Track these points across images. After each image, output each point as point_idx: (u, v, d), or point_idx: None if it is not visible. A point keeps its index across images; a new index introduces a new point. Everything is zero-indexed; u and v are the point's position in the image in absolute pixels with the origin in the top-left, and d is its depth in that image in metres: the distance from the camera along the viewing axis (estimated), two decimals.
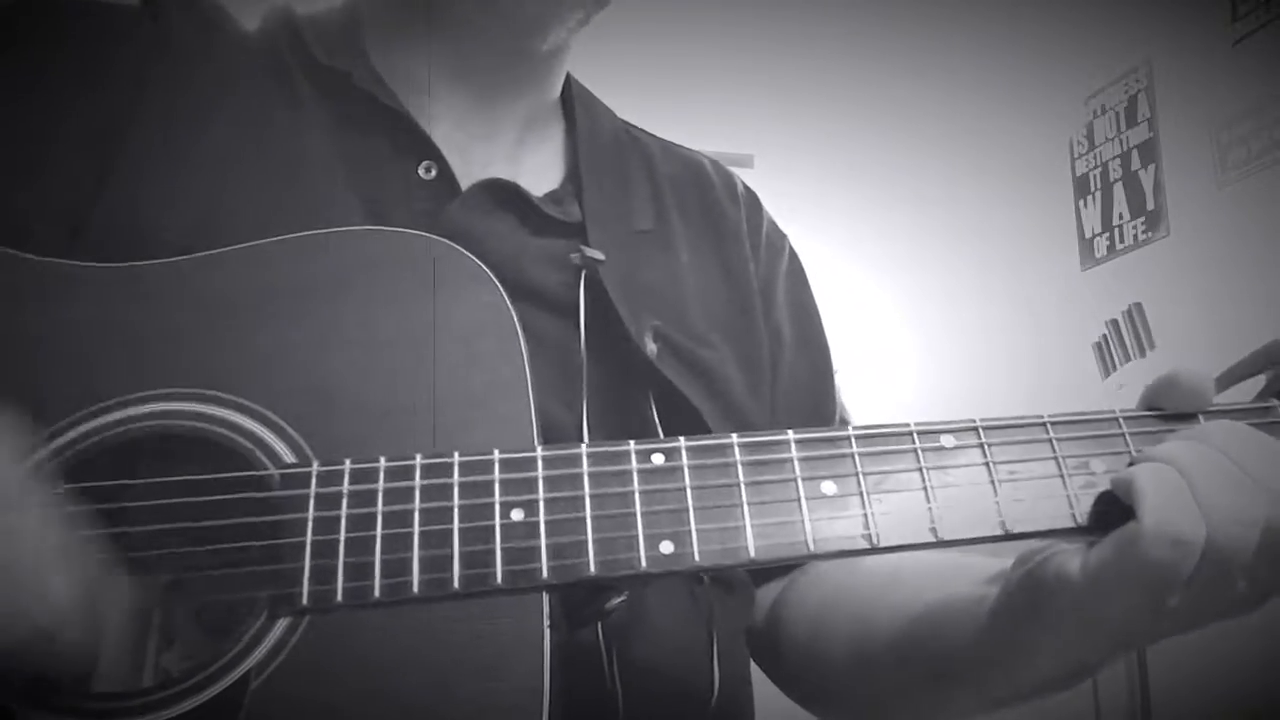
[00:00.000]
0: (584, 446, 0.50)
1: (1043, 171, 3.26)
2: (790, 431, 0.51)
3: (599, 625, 0.60)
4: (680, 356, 0.71)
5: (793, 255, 0.87)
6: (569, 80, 0.82)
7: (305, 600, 0.47)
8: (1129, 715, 2.68)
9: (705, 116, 2.96)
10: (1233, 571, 0.47)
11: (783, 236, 0.88)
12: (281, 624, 0.47)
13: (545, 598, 0.49)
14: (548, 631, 0.48)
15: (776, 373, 0.79)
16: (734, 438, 0.51)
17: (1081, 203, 3.13)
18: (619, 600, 0.57)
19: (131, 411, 0.51)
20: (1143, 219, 2.89)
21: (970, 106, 3.43)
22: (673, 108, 2.42)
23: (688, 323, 0.73)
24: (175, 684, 0.47)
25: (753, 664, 0.75)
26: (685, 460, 0.50)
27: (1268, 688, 2.27)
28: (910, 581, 0.66)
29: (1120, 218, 2.97)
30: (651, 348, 0.69)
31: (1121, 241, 2.96)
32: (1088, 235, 3.09)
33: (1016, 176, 3.35)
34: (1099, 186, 3.06)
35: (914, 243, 3.38)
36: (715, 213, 0.82)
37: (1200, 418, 0.53)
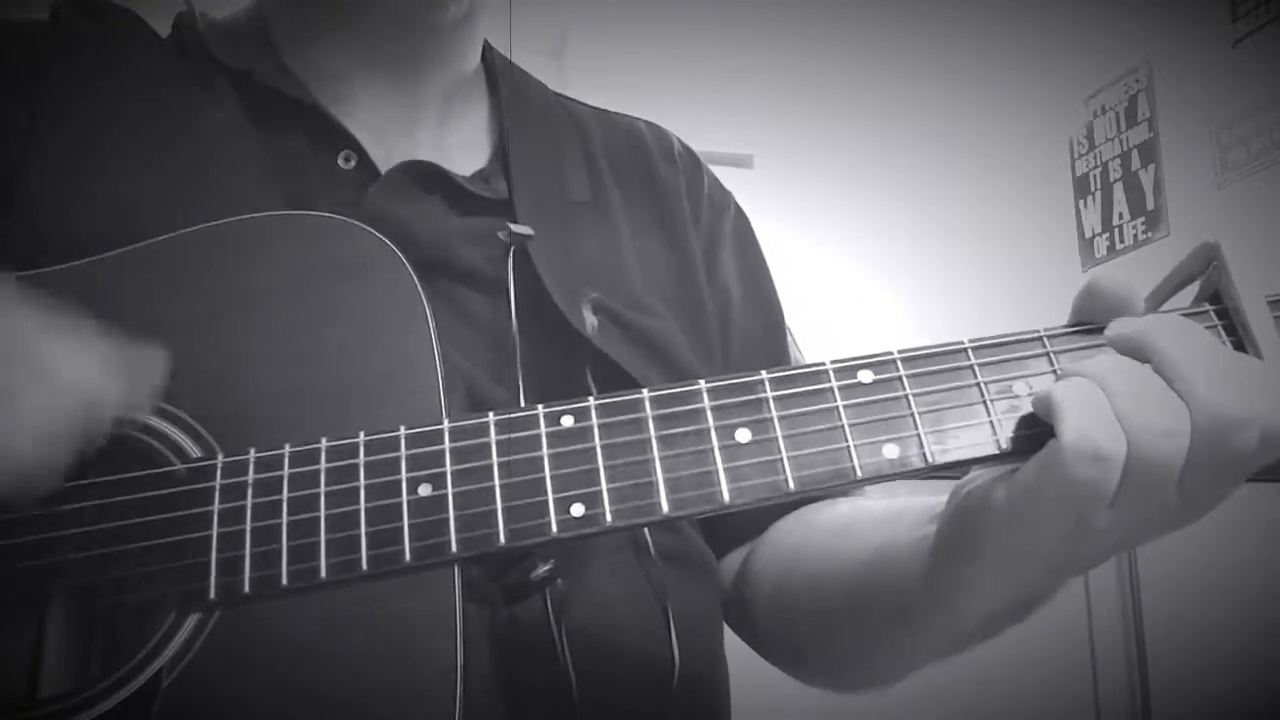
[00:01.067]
0: (491, 415, 0.49)
1: (1043, 171, 3.26)
2: (702, 381, 0.50)
3: (548, 605, 0.59)
4: (622, 327, 0.70)
5: (738, 213, 0.86)
6: (492, 54, 0.82)
7: (213, 594, 0.46)
8: (1129, 715, 2.67)
9: (705, 116, 2.96)
10: (1160, 485, 0.45)
11: (726, 194, 0.86)
12: (192, 620, 0.47)
13: (457, 573, 0.48)
14: (460, 607, 0.48)
15: (728, 333, 0.78)
16: (645, 392, 0.49)
17: (1081, 203, 3.13)
18: (545, 569, 0.57)
19: None
20: (1143, 219, 2.89)
21: (970, 106, 3.43)
22: (673, 108, 2.42)
23: (629, 291, 0.73)
24: (85, 688, 0.46)
25: (731, 651, 0.74)
26: (595, 419, 0.49)
27: (1268, 688, 2.27)
28: (862, 531, 0.65)
29: (1120, 218, 2.97)
30: (592, 320, 0.68)
31: (1121, 241, 2.96)
32: (1088, 235, 3.09)
33: (1016, 176, 3.35)
34: (1099, 186, 3.06)
35: (914, 242, 3.38)
36: (653, 178, 0.81)
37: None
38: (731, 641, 0.75)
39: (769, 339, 0.82)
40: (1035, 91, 3.28)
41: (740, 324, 0.80)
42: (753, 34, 3.27)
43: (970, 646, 0.58)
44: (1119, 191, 2.99)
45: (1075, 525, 0.46)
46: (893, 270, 3.34)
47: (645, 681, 0.63)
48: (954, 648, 0.59)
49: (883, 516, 0.65)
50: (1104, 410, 0.45)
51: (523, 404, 0.62)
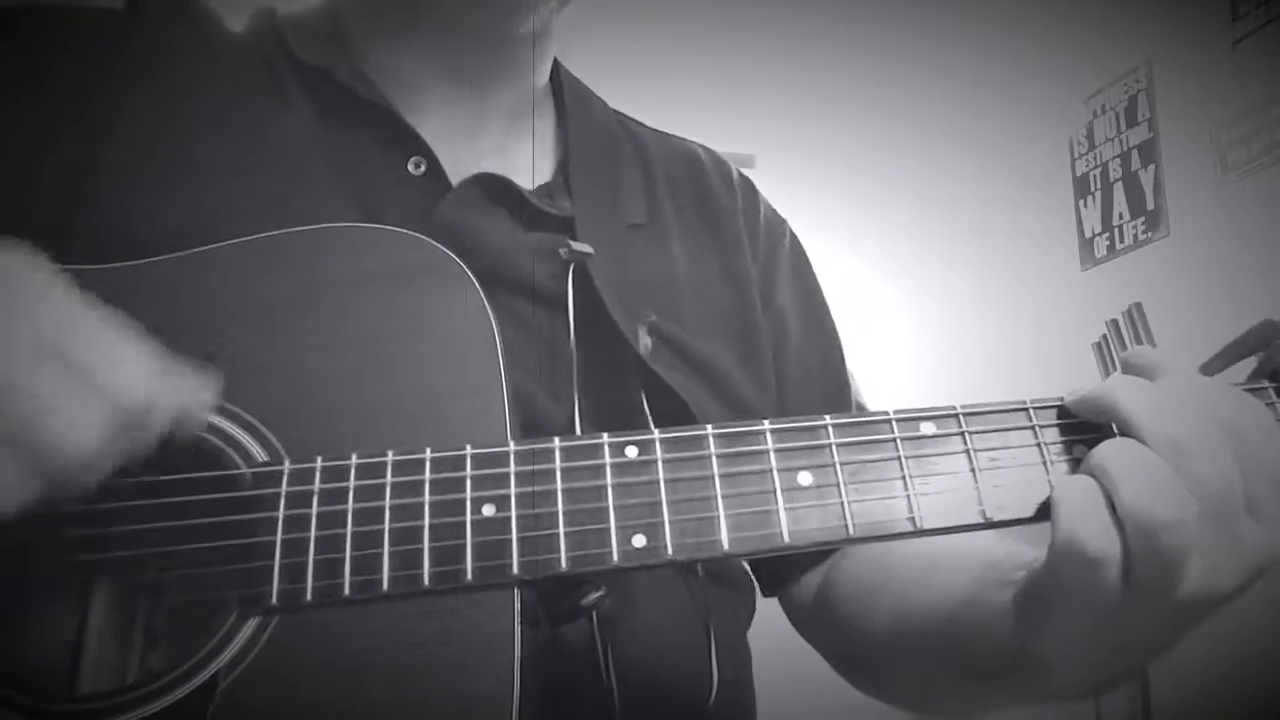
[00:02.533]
0: (557, 441, 0.50)
1: (1043, 171, 3.25)
2: (766, 422, 0.51)
3: (594, 623, 0.60)
4: (676, 351, 0.70)
5: (794, 240, 0.86)
6: (558, 68, 0.82)
7: (275, 599, 0.47)
8: (1129, 716, 2.68)
9: (705, 116, 2.96)
10: (1173, 572, 0.45)
11: (782, 222, 0.87)
12: (251, 623, 0.47)
13: (516, 594, 0.49)
14: (518, 629, 0.48)
15: (783, 361, 0.79)
16: (709, 429, 0.50)
17: (1081, 203, 3.13)
18: (596, 595, 0.57)
19: None
20: (1143, 219, 2.89)
21: (970, 106, 3.43)
22: (673, 107, 2.42)
23: (683, 316, 0.73)
24: (144, 684, 0.46)
25: (756, 667, 0.75)
26: (659, 453, 0.49)
27: (1268, 688, 2.27)
28: (944, 576, 0.64)
29: (1120, 218, 2.97)
30: (646, 342, 0.69)
31: (1121, 241, 2.96)
32: (1088, 235, 3.09)
33: (1016, 176, 3.35)
34: (1099, 186, 3.06)
35: (914, 242, 3.39)
36: (710, 203, 0.82)
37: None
38: (756, 660, 0.75)
39: (827, 369, 0.83)
40: (1035, 91, 3.28)
41: (798, 353, 0.80)
42: (753, 34, 3.27)
43: (1049, 704, 0.57)
44: (1119, 191, 2.99)
45: (1097, 619, 0.46)
46: (893, 270, 3.34)
47: (685, 698, 0.64)
48: (1030, 704, 0.58)
49: (966, 560, 0.63)
50: (1096, 508, 0.45)
51: (578, 420, 0.63)
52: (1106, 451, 0.47)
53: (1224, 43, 2.64)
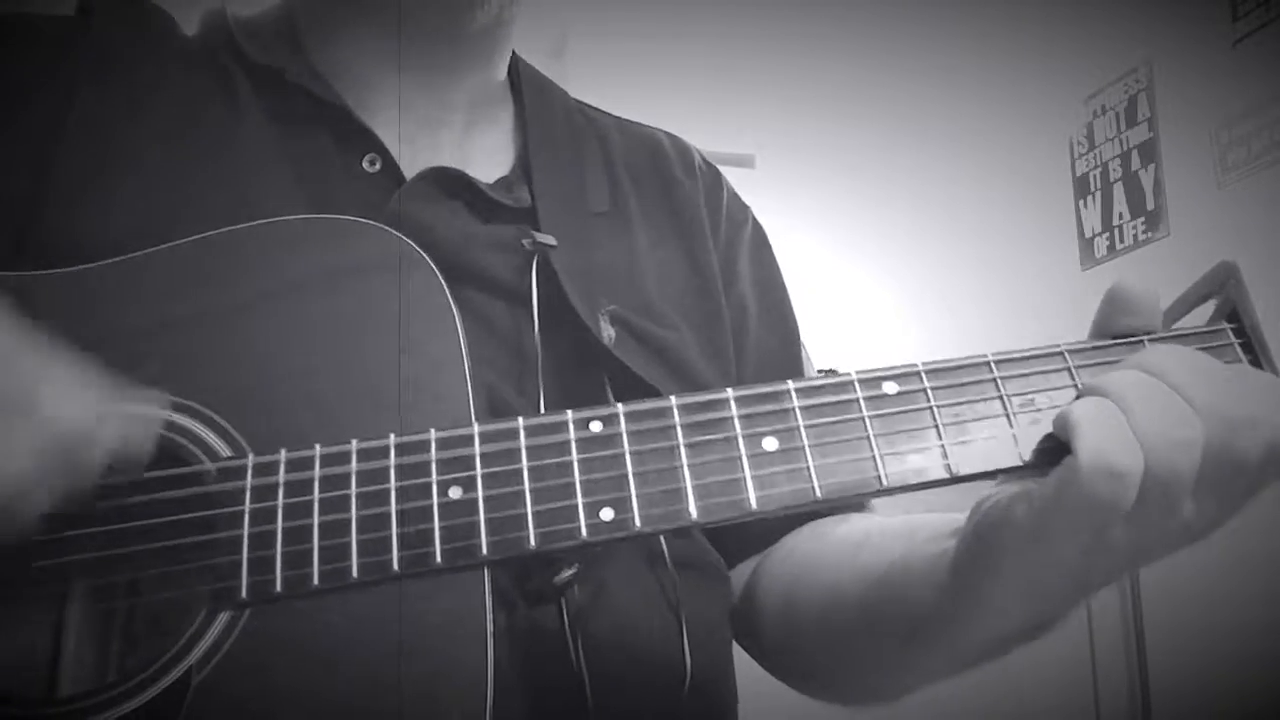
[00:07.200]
0: (520, 420, 0.50)
1: (1043, 171, 3.25)
2: (730, 390, 0.50)
3: (563, 609, 0.59)
4: (639, 338, 0.70)
5: (756, 227, 0.86)
6: (517, 61, 0.82)
7: (244, 593, 0.47)
8: (1129, 715, 2.67)
9: (705, 116, 2.96)
10: (1175, 497, 0.46)
11: (745, 208, 0.87)
12: (223, 618, 0.47)
13: (486, 575, 0.49)
14: (490, 609, 0.48)
15: (743, 347, 0.79)
16: (672, 400, 0.50)
17: (1081, 203, 3.13)
18: (570, 572, 0.57)
19: None
20: (1143, 219, 2.89)
21: (970, 106, 3.43)
22: (673, 108, 2.42)
23: (646, 303, 0.73)
24: (117, 684, 0.47)
25: (738, 657, 0.74)
26: (624, 426, 0.49)
27: (1268, 688, 2.27)
28: (877, 545, 0.65)
29: (1120, 218, 2.97)
30: (609, 332, 0.69)
31: (1121, 241, 2.96)
32: (1088, 235, 3.09)
33: (1016, 176, 3.35)
34: (1099, 186, 3.06)
35: (914, 242, 3.38)
36: (673, 191, 0.81)
37: (1146, 344, 0.52)
38: (740, 649, 0.75)
39: (783, 354, 0.82)
40: (1035, 91, 3.27)
41: (755, 338, 0.80)
42: (753, 34, 3.27)
43: (978, 666, 0.58)
44: (1119, 191, 2.99)
45: (1092, 540, 0.47)
46: (894, 269, 3.34)
47: (657, 687, 0.64)
48: (963, 666, 0.59)
49: (898, 531, 0.65)
50: (1121, 427, 0.46)
51: (541, 410, 0.63)
52: (1116, 376, 0.48)
53: (1224, 43, 2.64)
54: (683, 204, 0.81)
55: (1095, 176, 3.07)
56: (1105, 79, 3.03)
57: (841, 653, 0.68)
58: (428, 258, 0.56)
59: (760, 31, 3.28)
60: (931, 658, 0.59)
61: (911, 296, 3.36)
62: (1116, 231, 2.98)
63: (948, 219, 3.42)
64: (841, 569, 0.67)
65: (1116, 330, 0.53)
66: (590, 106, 0.86)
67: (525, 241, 0.68)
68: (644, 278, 0.75)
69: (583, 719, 0.59)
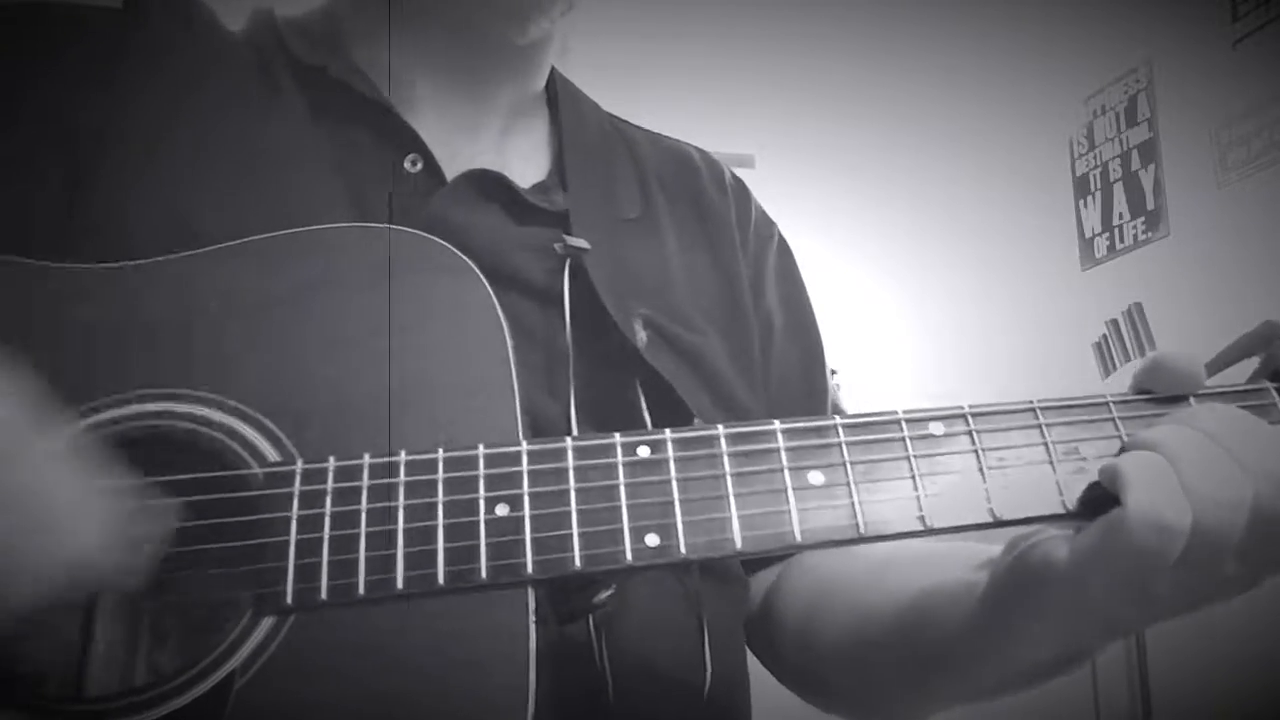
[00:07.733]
0: (569, 440, 0.50)
1: (1043, 171, 3.26)
2: (777, 422, 0.51)
3: (589, 617, 0.59)
4: (669, 343, 0.70)
5: (782, 243, 0.87)
6: (553, 73, 0.82)
7: (289, 599, 0.47)
8: (1129, 715, 2.68)
9: (705, 116, 2.96)
10: (1220, 554, 0.47)
11: (771, 225, 0.87)
12: (266, 623, 0.47)
13: (530, 592, 0.49)
14: (533, 627, 0.48)
15: (768, 360, 0.79)
16: (720, 428, 0.50)
17: (1081, 203, 3.13)
18: (607, 594, 0.57)
19: (116, 413, 0.51)
20: (1143, 219, 2.89)
21: (970, 106, 3.43)
22: (673, 108, 2.42)
23: (676, 309, 0.73)
24: (159, 685, 0.46)
25: (750, 661, 0.75)
26: (671, 452, 0.50)
27: (1268, 688, 2.27)
28: (903, 569, 0.65)
29: (1120, 218, 2.97)
30: (641, 336, 0.69)
31: (1121, 241, 2.96)
32: (1088, 235, 3.09)
33: (1016, 176, 3.35)
34: (1099, 186, 3.06)
35: (914, 242, 3.39)
36: (702, 202, 0.82)
37: (1191, 400, 0.53)
38: (751, 656, 0.75)
39: (806, 370, 0.83)
40: (1035, 91, 3.28)
41: (780, 350, 0.80)
42: (753, 34, 3.27)
43: (998, 697, 0.58)
44: (1119, 191, 2.99)
45: (1135, 589, 0.47)
46: (893, 269, 3.35)
47: (678, 690, 0.64)
48: (983, 696, 0.60)
49: (924, 556, 0.65)
50: (1170, 482, 0.46)
51: (574, 414, 0.63)
52: (1166, 431, 0.48)
53: (1224, 43, 2.64)
54: (712, 215, 0.81)
55: (1095, 176, 3.07)
56: (1105, 79, 3.03)
57: (861, 673, 0.68)
58: (475, 268, 0.56)
59: (760, 31, 3.29)
60: (953, 686, 0.60)
61: (911, 296, 3.37)
62: (1116, 231, 2.98)
63: (948, 219, 3.43)
64: (865, 591, 0.67)
65: (1158, 390, 0.53)
66: (621, 119, 0.86)
67: (558, 245, 0.68)
68: (674, 284, 0.75)
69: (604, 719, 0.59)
